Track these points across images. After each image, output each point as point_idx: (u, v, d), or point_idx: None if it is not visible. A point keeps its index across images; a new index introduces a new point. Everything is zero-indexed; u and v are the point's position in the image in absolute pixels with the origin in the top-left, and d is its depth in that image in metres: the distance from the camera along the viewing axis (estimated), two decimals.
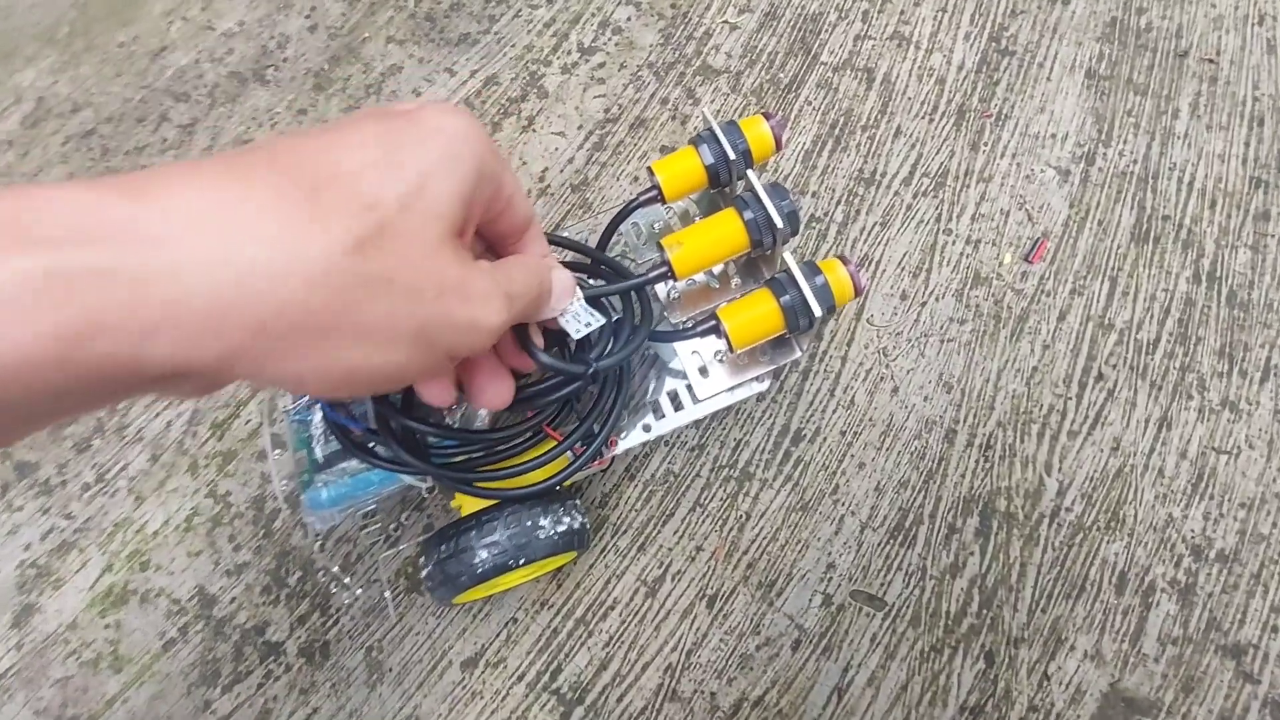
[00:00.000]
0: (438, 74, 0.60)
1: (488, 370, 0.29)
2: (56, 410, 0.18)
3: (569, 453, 0.37)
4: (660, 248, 0.36)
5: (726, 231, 0.36)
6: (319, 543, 0.45)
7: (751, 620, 0.43)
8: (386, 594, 0.43)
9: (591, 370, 0.31)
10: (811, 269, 0.34)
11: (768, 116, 0.38)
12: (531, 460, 0.36)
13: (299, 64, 0.62)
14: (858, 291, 0.34)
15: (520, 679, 0.43)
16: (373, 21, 0.63)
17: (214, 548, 0.48)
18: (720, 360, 0.40)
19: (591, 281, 0.39)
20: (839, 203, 0.52)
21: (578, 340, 0.30)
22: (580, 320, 0.30)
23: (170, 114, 0.62)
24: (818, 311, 0.33)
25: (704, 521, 0.46)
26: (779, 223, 0.34)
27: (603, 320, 0.30)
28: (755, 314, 0.35)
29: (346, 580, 0.43)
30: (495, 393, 0.29)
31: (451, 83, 0.59)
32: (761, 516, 0.45)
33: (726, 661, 0.43)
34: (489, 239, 0.30)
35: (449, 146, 0.23)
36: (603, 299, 0.33)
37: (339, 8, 0.64)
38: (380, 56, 0.61)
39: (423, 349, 0.22)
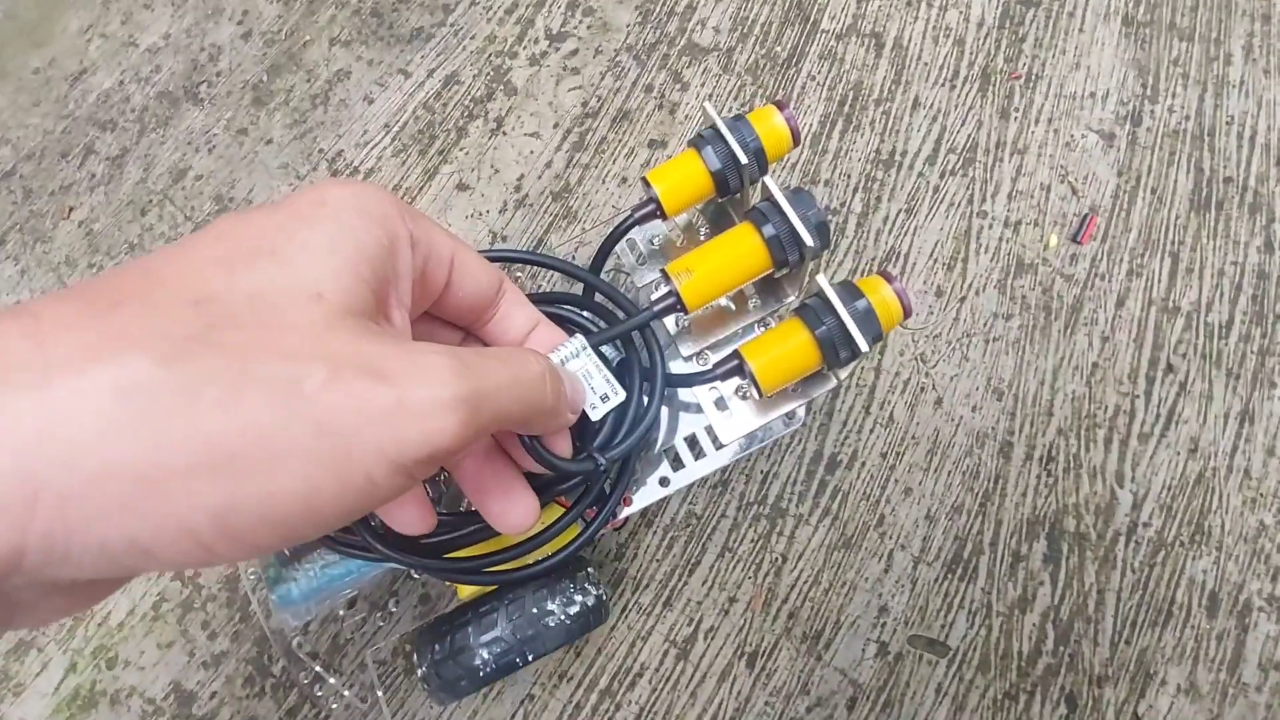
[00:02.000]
0: (390, 76, 0.53)
1: (498, 488, 0.23)
2: None
3: (578, 520, 0.31)
4: (665, 276, 0.31)
5: (742, 251, 0.30)
6: (297, 636, 0.39)
7: (799, 678, 0.38)
8: (379, 694, 0.38)
9: (602, 467, 0.26)
10: (850, 291, 0.28)
11: (780, 106, 0.32)
12: (536, 536, 0.31)
13: (235, 77, 0.56)
14: (907, 313, 0.29)
15: None
16: (313, 22, 0.56)
17: (187, 637, 0.43)
18: (743, 397, 0.34)
19: (585, 315, 0.33)
20: (856, 190, 0.46)
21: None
22: (595, 391, 0.25)
23: (96, 145, 0.55)
24: (863, 345, 0.27)
25: (735, 568, 0.40)
26: (807, 239, 0.28)
27: (622, 397, 0.25)
28: (785, 350, 0.29)
29: (330, 679, 0.38)
30: (517, 514, 0.23)
31: (407, 85, 0.53)
32: (799, 558, 0.40)
33: None
34: (458, 320, 0.25)
35: (332, 217, 0.17)
36: (610, 358, 0.28)
37: (274, 9, 0.57)
38: (324, 61, 0.55)
39: (336, 464, 0.15)
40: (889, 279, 0.28)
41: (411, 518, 0.22)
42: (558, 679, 0.40)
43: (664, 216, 0.33)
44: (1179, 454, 0.40)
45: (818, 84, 0.48)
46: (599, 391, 0.27)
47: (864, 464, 0.41)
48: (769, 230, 0.29)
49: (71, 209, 0.54)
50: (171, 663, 0.42)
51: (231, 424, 0.14)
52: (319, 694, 0.37)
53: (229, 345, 0.15)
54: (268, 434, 0.14)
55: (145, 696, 0.42)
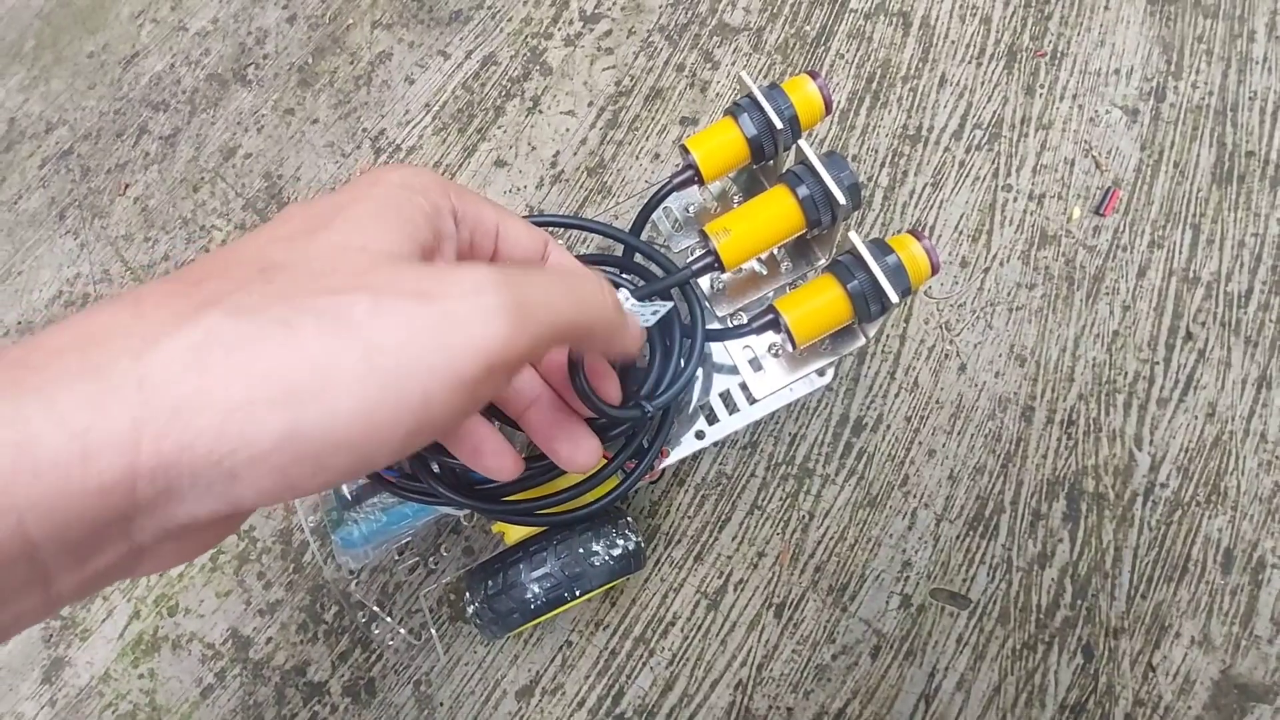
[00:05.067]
0: (430, 58, 0.55)
1: (564, 434, 0.26)
2: None
3: (620, 471, 0.33)
4: (703, 235, 0.32)
5: (778, 212, 0.32)
6: (354, 579, 0.42)
7: (825, 628, 0.40)
8: (432, 631, 0.40)
9: (649, 414, 0.28)
10: (881, 248, 0.30)
11: (813, 75, 0.33)
12: (580, 484, 0.33)
13: (281, 60, 0.58)
14: (935, 269, 0.30)
15: (581, 705, 0.41)
16: (355, 6, 0.58)
17: (243, 586, 0.45)
18: (775, 354, 0.36)
19: (626, 277, 0.35)
20: (883, 165, 0.47)
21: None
22: (641, 317, 0.27)
23: (150, 125, 0.58)
24: (893, 297, 0.29)
25: (764, 525, 0.42)
26: (840, 198, 0.30)
27: (669, 304, 0.27)
28: (819, 304, 0.31)
29: (387, 617, 0.40)
30: (583, 454, 0.25)
31: (446, 66, 0.55)
32: (826, 515, 0.42)
33: (801, 673, 0.40)
34: None
35: (384, 194, 0.20)
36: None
37: None
38: (367, 44, 0.57)
39: (389, 381, 0.16)
40: (918, 236, 0.30)
41: (502, 465, 0.25)
42: (594, 627, 0.42)
43: (701, 182, 0.34)
44: (1197, 418, 0.41)
45: (846, 62, 0.50)
46: (646, 312, 0.28)
47: (889, 427, 0.43)
48: (803, 191, 0.31)
49: (127, 186, 0.57)
50: (229, 610, 0.45)
51: (289, 357, 0.15)
52: (375, 631, 0.40)
53: (286, 294, 0.16)
54: (320, 362, 0.15)
55: (205, 641, 0.44)
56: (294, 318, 0.16)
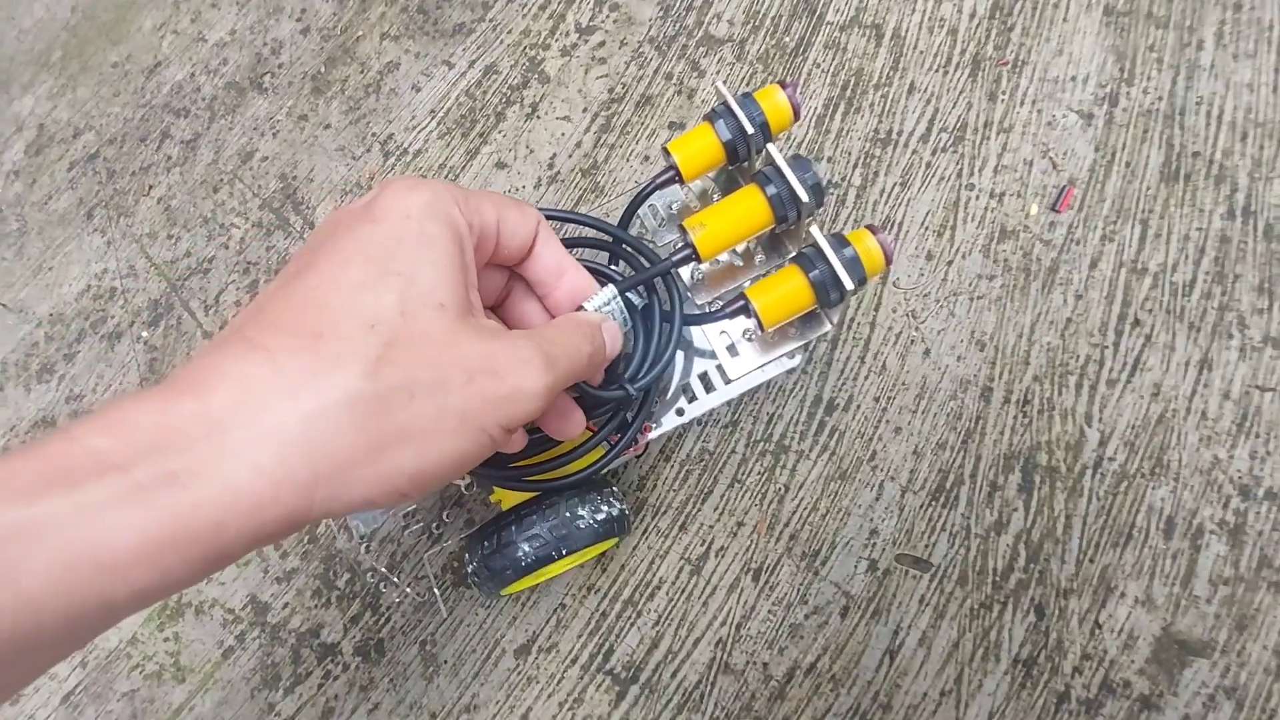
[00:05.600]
0: (435, 67, 0.59)
1: (555, 409, 0.31)
2: (149, 599, 0.20)
3: (604, 443, 0.37)
4: (682, 230, 0.36)
5: (749, 209, 0.35)
6: (364, 545, 0.45)
7: (798, 590, 0.44)
8: (435, 590, 0.44)
9: (632, 394, 0.32)
10: (840, 241, 0.33)
11: (783, 85, 0.37)
12: (567, 453, 0.36)
13: (295, 69, 0.62)
14: (888, 261, 0.34)
15: (574, 662, 0.44)
16: (365, 19, 0.62)
17: (261, 557, 0.49)
18: (749, 339, 0.39)
19: (613, 267, 0.39)
20: (855, 166, 0.51)
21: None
22: (620, 323, 0.31)
23: (171, 130, 0.62)
24: (849, 285, 0.32)
25: (743, 497, 0.46)
26: (803, 196, 0.34)
27: (627, 326, 0.31)
28: (784, 291, 0.34)
29: (395, 579, 0.44)
30: (570, 426, 0.31)
31: (450, 75, 0.59)
32: (801, 488, 0.45)
33: (776, 632, 0.43)
34: (504, 263, 0.31)
35: (421, 230, 0.24)
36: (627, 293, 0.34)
37: (329, 8, 0.63)
38: (376, 54, 0.61)
39: (472, 433, 0.22)
40: (874, 231, 0.33)
41: (515, 441, 0.31)
42: (586, 590, 0.45)
43: (682, 182, 0.38)
44: (1143, 398, 0.44)
45: (822, 71, 0.53)
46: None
47: (859, 407, 0.46)
48: (771, 190, 0.34)
49: (151, 187, 0.61)
50: (248, 578, 0.48)
51: (409, 417, 0.21)
52: (383, 590, 0.43)
53: (402, 358, 0.21)
54: (433, 422, 0.22)
55: (226, 607, 0.48)
56: (413, 388, 0.21)
